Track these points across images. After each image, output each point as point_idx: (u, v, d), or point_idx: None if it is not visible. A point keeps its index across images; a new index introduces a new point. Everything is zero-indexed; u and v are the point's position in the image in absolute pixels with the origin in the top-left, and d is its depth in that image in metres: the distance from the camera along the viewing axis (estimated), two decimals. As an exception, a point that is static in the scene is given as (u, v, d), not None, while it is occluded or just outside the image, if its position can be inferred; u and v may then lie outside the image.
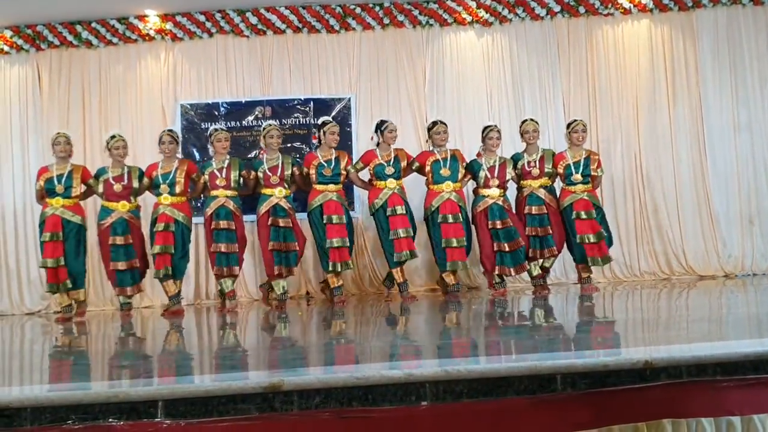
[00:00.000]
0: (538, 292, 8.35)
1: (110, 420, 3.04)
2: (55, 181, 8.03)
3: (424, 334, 5.61)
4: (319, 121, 8.69)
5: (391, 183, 8.29)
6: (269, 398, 3.10)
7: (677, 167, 10.00)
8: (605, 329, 5.16)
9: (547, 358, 3.39)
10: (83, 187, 8.26)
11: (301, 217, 8.55)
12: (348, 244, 8.25)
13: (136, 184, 8.21)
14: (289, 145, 9.61)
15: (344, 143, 9.36)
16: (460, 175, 8.33)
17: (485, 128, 8.52)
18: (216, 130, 8.48)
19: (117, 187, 8.09)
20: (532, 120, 8.57)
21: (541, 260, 8.41)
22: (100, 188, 8.12)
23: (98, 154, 9.26)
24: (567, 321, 6.06)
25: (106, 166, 8.29)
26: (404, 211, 8.25)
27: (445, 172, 8.26)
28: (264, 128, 8.44)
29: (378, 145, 8.50)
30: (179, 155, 8.68)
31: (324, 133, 8.36)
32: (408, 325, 6.52)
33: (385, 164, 8.32)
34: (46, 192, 8.07)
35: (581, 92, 10.14)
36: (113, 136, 8.24)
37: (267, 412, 3.09)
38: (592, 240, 8.15)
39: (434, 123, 8.53)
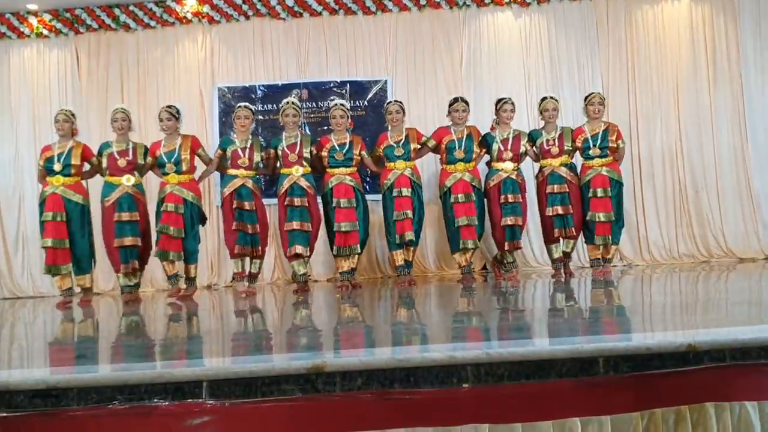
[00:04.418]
0: (559, 275, 8.30)
1: (155, 400, 3.08)
2: (55, 160, 7.84)
3: (456, 317, 5.61)
4: (331, 105, 8.59)
5: (400, 164, 8.18)
6: (312, 379, 3.12)
7: (717, 149, 9.91)
8: (646, 312, 5.12)
9: (589, 341, 3.38)
10: (87, 166, 8.09)
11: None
12: (357, 228, 8.11)
13: (141, 160, 8.01)
14: (326, 127, 9.61)
15: (380, 126, 9.34)
16: (474, 155, 8.24)
17: (499, 101, 8.41)
18: (239, 106, 8.28)
19: (121, 161, 7.89)
20: (552, 98, 8.41)
21: (563, 241, 8.31)
22: (104, 162, 7.92)
23: (136, 136, 9.33)
24: (605, 304, 6.02)
25: (110, 140, 8.12)
26: (410, 194, 8.14)
27: (459, 153, 8.17)
28: (282, 106, 8.29)
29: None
30: (181, 131, 8.23)
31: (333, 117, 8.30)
32: (435, 308, 6.53)
33: (395, 145, 8.22)
34: (46, 171, 7.87)
35: (620, 73, 10.06)
36: (115, 109, 8.12)
37: (310, 393, 3.12)
38: (601, 219, 8.03)
39: (455, 99, 8.40)
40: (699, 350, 3.21)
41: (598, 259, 8.30)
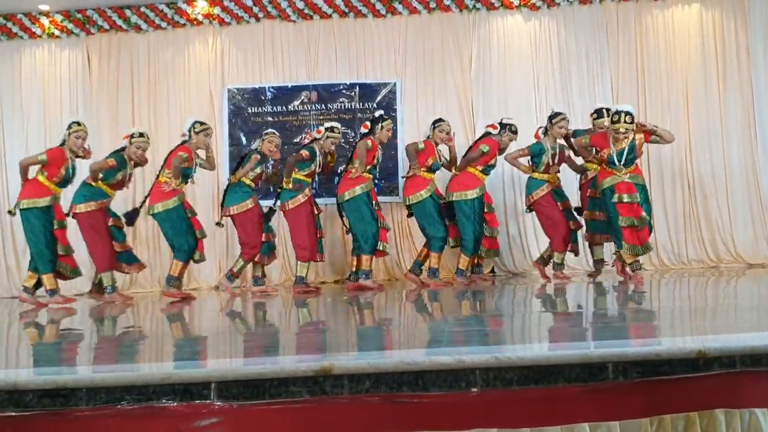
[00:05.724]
0: (595, 276, 8.59)
1: (164, 401, 3.08)
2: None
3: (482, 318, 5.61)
4: (376, 114, 8.81)
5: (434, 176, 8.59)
6: (320, 381, 3.11)
7: (727, 153, 9.87)
8: (656, 317, 5.10)
9: (599, 346, 3.37)
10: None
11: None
12: None
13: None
14: (335, 130, 9.62)
15: (389, 129, 9.34)
16: None
17: (557, 114, 8.46)
18: (273, 132, 8.68)
19: (128, 185, 8.37)
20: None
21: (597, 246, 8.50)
22: (119, 176, 8.04)
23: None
24: (617, 309, 6.00)
25: (124, 155, 8.15)
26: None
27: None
28: (331, 129, 8.58)
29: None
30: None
31: (381, 128, 8.51)
32: (458, 310, 6.52)
33: (438, 161, 8.61)
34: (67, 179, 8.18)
35: (630, 77, 10.03)
36: (144, 137, 8.25)
37: (318, 396, 3.11)
38: (635, 224, 7.65)
39: (512, 125, 8.56)
40: (709, 356, 3.20)
41: (636, 263, 7.89)
